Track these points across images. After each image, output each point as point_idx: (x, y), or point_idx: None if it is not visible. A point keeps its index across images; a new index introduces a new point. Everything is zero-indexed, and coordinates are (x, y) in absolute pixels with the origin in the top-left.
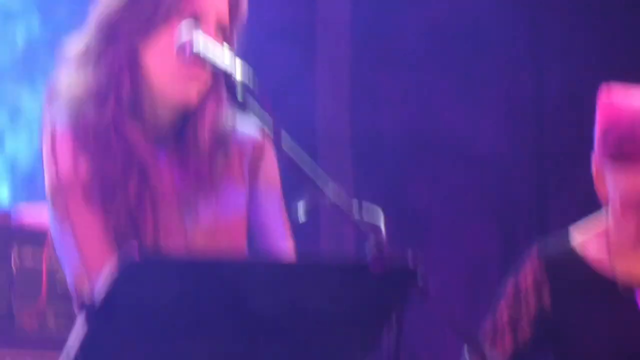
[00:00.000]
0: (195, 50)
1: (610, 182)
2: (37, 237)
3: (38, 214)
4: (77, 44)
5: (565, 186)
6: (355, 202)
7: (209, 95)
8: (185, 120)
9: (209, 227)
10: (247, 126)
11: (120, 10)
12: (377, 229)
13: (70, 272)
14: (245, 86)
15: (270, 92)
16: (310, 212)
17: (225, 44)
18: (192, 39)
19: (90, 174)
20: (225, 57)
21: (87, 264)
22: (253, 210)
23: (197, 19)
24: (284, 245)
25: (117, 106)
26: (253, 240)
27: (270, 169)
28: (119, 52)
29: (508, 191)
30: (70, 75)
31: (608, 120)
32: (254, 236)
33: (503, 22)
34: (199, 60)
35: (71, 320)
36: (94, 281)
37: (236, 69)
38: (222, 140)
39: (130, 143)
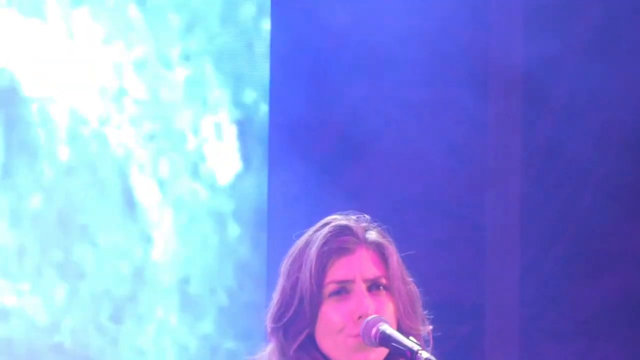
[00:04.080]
0: (381, 331)
1: None
2: None
3: None
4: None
5: None
6: None
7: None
8: None
9: None
10: None
11: (274, 315)
12: None
13: None
14: None
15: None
16: None
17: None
18: (374, 321)
19: None
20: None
21: None
22: None
23: (346, 288)
24: None
25: None
26: None
27: None
28: (298, 341)
29: None
30: None
31: None
32: None
33: None
34: (384, 342)
35: None
36: None
37: (419, 347)
38: None
39: None
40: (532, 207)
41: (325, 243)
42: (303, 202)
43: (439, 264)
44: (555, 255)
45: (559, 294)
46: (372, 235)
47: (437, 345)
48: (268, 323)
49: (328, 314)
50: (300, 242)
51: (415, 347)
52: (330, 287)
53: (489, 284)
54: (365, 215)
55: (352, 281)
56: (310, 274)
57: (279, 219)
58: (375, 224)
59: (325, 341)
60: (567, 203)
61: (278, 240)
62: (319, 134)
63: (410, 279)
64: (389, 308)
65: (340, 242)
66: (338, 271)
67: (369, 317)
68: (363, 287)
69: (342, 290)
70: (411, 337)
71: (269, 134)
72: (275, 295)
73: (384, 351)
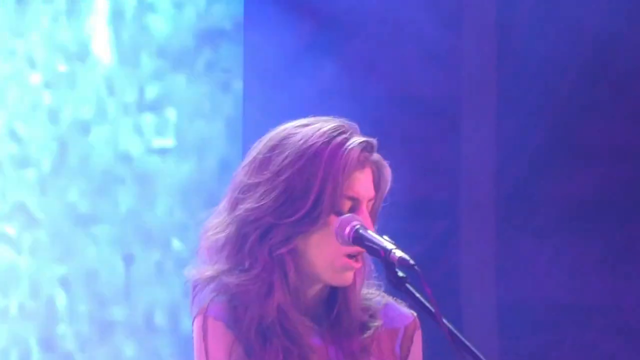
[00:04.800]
0: (354, 230)
1: None
2: None
3: None
4: (218, 237)
5: None
6: None
7: (357, 272)
8: (335, 296)
9: None
10: (398, 307)
11: (274, 210)
12: None
13: None
14: (404, 261)
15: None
16: None
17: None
18: (350, 221)
19: None
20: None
21: None
22: None
23: (354, 205)
24: None
25: (282, 296)
26: None
27: (418, 353)
28: (276, 251)
29: None
30: (222, 271)
31: None
32: None
33: None
34: (358, 241)
35: None
36: None
37: (393, 246)
38: (372, 316)
39: (292, 333)
40: (508, 103)
41: (353, 156)
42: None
43: (414, 161)
44: (530, 150)
45: (535, 190)
46: (376, 155)
47: (414, 241)
48: (260, 214)
49: (333, 224)
50: (311, 137)
51: (389, 246)
52: (343, 201)
53: (465, 180)
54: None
55: (360, 200)
56: (337, 184)
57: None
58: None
59: (319, 250)
60: (543, 97)
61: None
62: (295, 24)
63: None
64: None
65: (364, 158)
66: (354, 187)
67: (344, 216)
68: (366, 206)
69: (351, 207)
70: (385, 236)
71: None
72: (274, 185)
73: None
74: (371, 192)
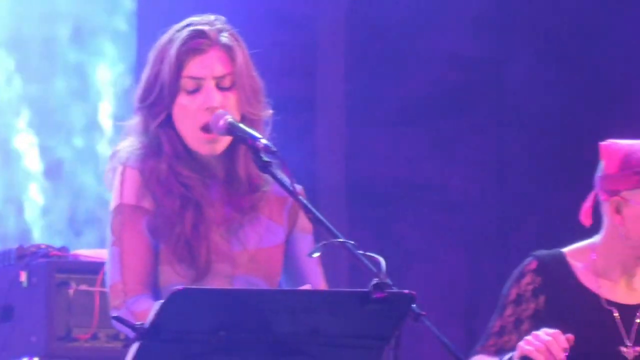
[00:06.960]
0: (228, 122)
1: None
2: (91, 268)
3: (93, 252)
4: (129, 121)
5: (522, 219)
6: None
7: (239, 147)
8: (229, 162)
9: (253, 252)
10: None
11: (142, 95)
12: (378, 261)
13: (109, 282)
14: (267, 148)
15: (279, 151)
16: (322, 249)
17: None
18: (222, 115)
19: (152, 209)
20: (250, 129)
21: (125, 276)
22: (292, 247)
23: (198, 84)
24: (319, 272)
25: (168, 158)
26: (291, 269)
27: (305, 219)
28: (157, 121)
29: (475, 226)
30: (131, 139)
31: (623, 151)
32: (292, 266)
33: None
34: (231, 131)
35: (119, 339)
36: (128, 293)
37: (260, 136)
38: (260, 184)
39: (187, 184)
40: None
41: (183, 44)
42: None
43: (273, 63)
44: (376, 54)
45: (378, 89)
46: (224, 38)
47: (275, 133)
48: (135, 102)
49: (183, 103)
50: (164, 37)
51: (257, 135)
52: (185, 81)
53: (320, 80)
54: (222, 17)
55: (203, 78)
56: (170, 68)
57: None
58: (230, 26)
59: (181, 125)
60: None
61: None
62: None
63: (255, 74)
64: (232, 102)
65: (196, 44)
66: (192, 68)
67: (218, 112)
68: (212, 83)
69: (195, 85)
70: (253, 129)
71: None
72: (142, 80)
73: (227, 141)
74: (217, 71)
